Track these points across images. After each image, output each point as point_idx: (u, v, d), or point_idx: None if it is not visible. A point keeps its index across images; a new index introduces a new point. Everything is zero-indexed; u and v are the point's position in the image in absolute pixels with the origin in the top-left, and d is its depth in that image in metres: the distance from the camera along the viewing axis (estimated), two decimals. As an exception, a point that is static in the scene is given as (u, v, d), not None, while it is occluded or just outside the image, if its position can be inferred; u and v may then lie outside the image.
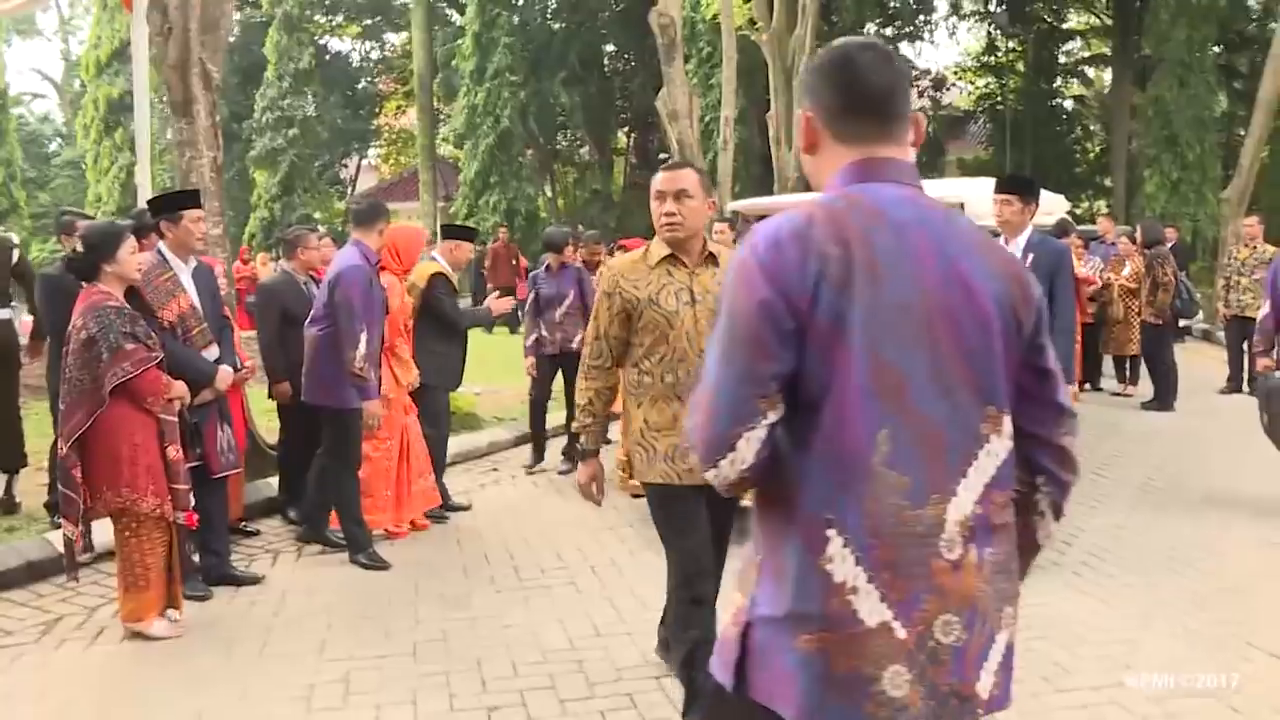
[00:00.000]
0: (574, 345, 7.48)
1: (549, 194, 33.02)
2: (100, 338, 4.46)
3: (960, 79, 34.87)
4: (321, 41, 36.18)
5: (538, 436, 8.11)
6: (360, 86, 39.09)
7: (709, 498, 3.40)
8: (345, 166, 40.04)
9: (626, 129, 35.44)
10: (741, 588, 1.82)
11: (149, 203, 5.68)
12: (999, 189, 5.71)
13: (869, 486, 1.65)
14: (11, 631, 4.79)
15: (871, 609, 1.65)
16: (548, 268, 7.92)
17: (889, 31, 30.17)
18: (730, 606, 1.84)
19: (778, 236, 1.70)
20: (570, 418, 7.79)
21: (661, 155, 23.51)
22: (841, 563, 1.65)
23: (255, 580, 5.45)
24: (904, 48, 30.06)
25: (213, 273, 5.57)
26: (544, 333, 7.78)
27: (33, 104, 47.36)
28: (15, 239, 7.09)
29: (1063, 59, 33.76)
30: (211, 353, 5.26)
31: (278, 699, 4.04)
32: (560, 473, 7.85)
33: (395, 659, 4.41)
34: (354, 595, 5.26)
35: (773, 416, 1.67)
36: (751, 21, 20.74)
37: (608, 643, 4.54)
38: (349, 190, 38.20)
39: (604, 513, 6.68)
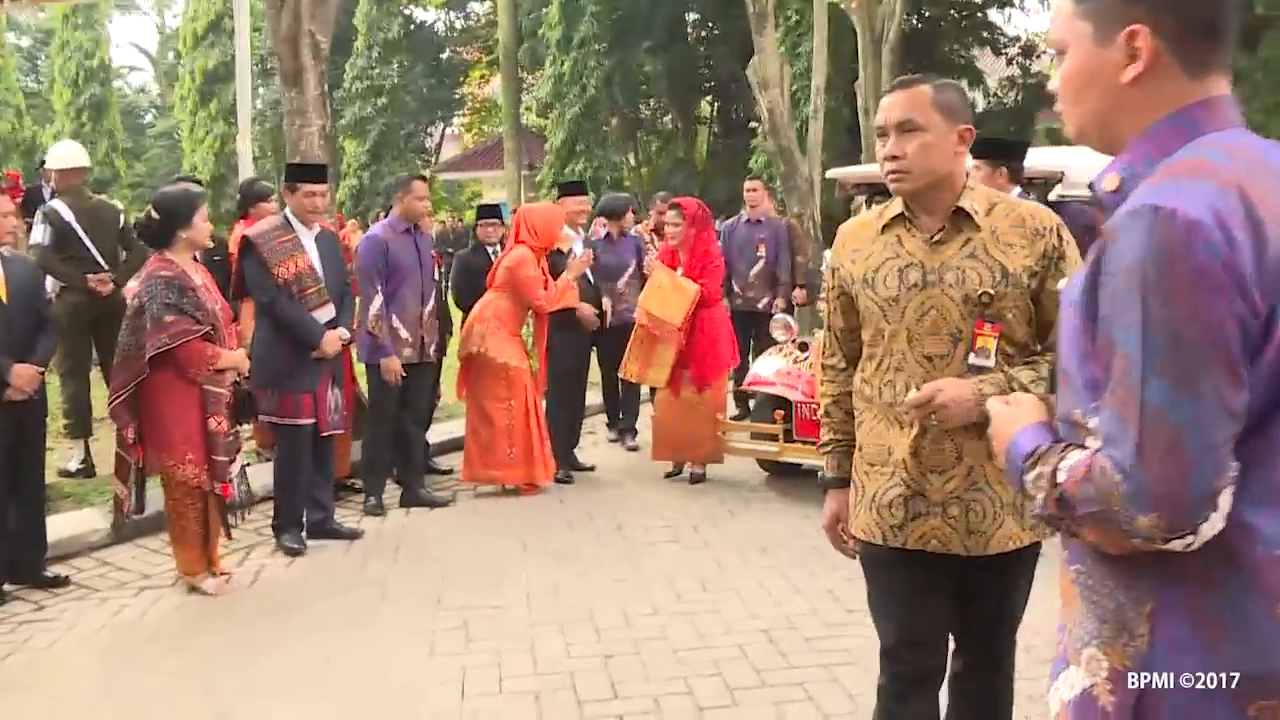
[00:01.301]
0: (633, 316, 7.10)
1: (632, 162, 33.06)
2: (146, 307, 4.59)
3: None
4: (408, 11, 36.55)
5: (610, 410, 8.10)
6: (444, 56, 39.43)
7: (964, 565, 2.47)
8: (430, 135, 40.49)
9: (709, 97, 35.27)
10: (1110, 646, 1.44)
11: (285, 168, 5.93)
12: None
13: None
14: (150, 575, 5.10)
15: None
16: (608, 236, 7.78)
17: (978, -2, 29.59)
18: (1092, 670, 1.46)
19: (1221, 216, 1.28)
20: (608, 389, 7.93)
21: (752, 125, 23.35)
22: None
23: (356, 535, 5.68)
24: (993, 14, 29.43)
25: (337, 239, 5.81)
26: (605, 303, 7.44)
27: (129, 76, 48.58)
28: (120, 206, 7.37)
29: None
30: (325, 313, 5.46)
31: (401, 644, 4.24)
32: (610, 440, 7.98)
33: (510, 609, 4.59)
34: (464, 549, 5.44)
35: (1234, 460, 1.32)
36: (840, -12, 20.50)
37: (715, 598, 4.66)
38: (433, 159, 38.65)
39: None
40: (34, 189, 13.63)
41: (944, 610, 2.57)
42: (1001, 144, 5.33)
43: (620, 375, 7.07)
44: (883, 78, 20.71)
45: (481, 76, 39.64)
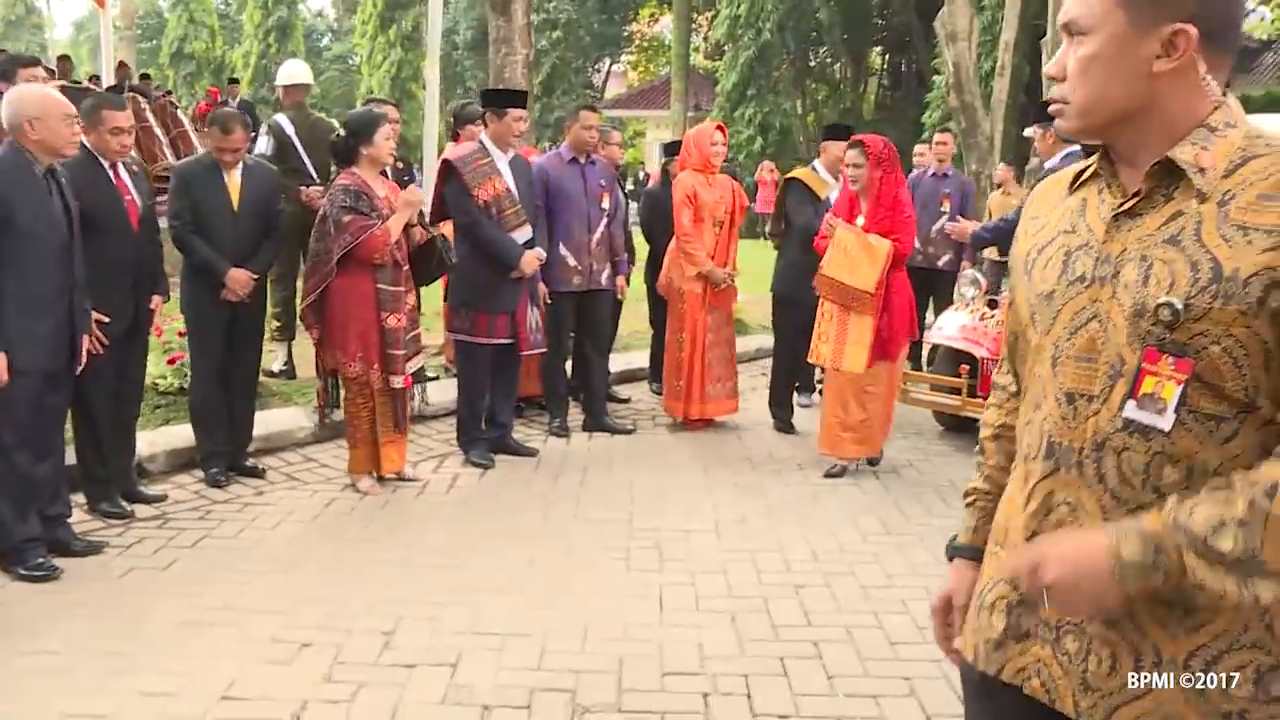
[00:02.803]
0: None
1: (799, 110, 32.70)
2: (329, 214, 4.97)
3: (1264, 3, 32.15)
4: (584, -55, 36.70)
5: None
6: (615, -8, 39.53)
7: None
8: (597, 71, 40.74)
9: (880, 48, 34.52)
10: None
11: (482, 94, 6.12)
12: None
13: None
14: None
15: None
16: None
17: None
18: None
19: None
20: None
21: (934, 77, 22.75)
22: None
23: (532, 453, 5.93)
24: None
25: (529, 164, 5.98)
26: None
27: (309, 1, 50.05)
28: (336, 124, 7.68)
29: None
30: (523, 233, 5.67)
31: (599, 557, 4.44)
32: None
33: (699, 534, 4.75)
34: (649, 475, 5.63)
35: None
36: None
37: (900, 541, 4.73)
38: (599, 95, 38.92)
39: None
40: (223, 104, 14.57)
41: None
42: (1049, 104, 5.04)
43: (809, 360, 6.00)
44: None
45: (651, 15, 39.61)
